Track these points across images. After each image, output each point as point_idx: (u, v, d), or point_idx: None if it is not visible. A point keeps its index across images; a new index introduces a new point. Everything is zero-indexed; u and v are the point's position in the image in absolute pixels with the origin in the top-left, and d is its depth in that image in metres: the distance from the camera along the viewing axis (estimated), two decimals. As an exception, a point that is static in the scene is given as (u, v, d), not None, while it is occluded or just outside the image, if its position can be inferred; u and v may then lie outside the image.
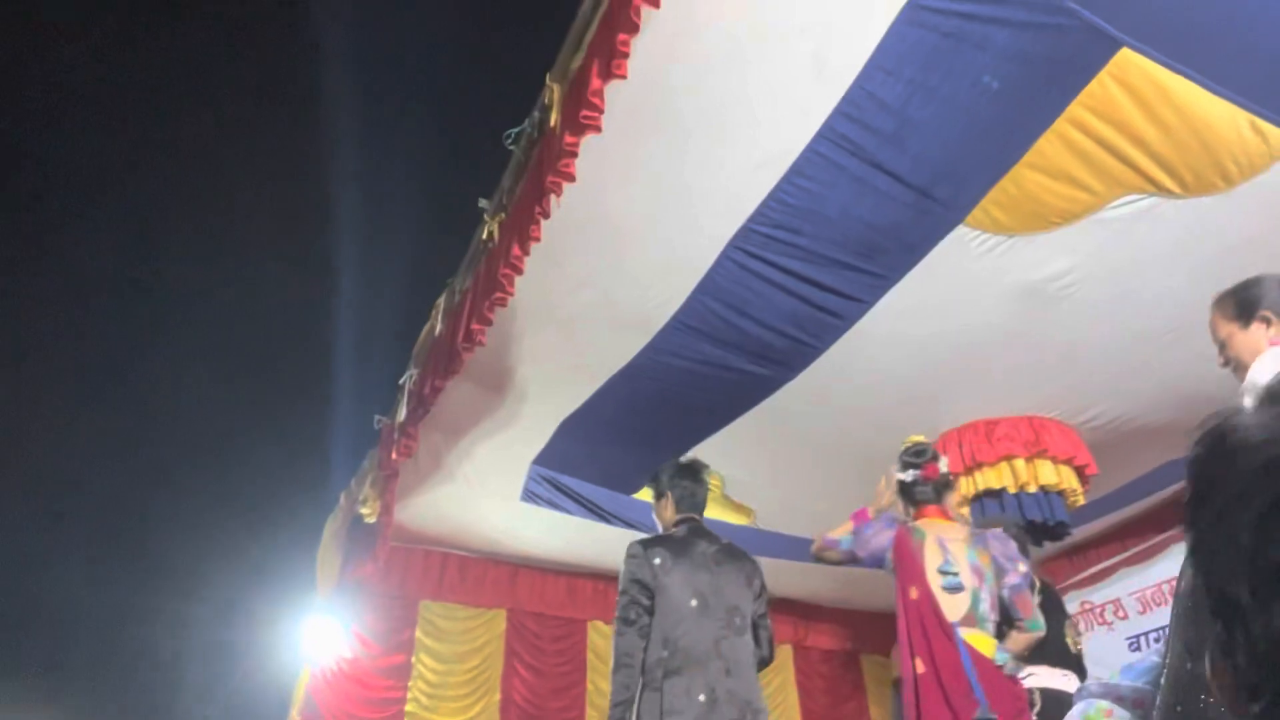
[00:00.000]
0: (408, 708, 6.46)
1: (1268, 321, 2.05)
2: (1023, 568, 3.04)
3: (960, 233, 3.39)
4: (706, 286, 3.74)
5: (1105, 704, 1.13)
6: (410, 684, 6.55)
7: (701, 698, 2.82)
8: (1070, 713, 1.23)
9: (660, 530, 3.31)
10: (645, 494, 5.46)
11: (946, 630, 2.86)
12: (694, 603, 2.98)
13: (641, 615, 2.96)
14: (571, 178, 2.98)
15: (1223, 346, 2.15)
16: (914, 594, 2.92)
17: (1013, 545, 3.11)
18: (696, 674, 2.86)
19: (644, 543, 3.14)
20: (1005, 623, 2.98)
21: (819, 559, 3.20)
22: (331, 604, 6.22)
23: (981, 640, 2.89)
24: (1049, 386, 4.32)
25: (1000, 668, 2.87)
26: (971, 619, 2.90)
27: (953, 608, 2.91)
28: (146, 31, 11.84)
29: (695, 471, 3.34)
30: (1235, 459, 0.49)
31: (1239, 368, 2.10)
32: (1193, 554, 0.53)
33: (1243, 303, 2.11)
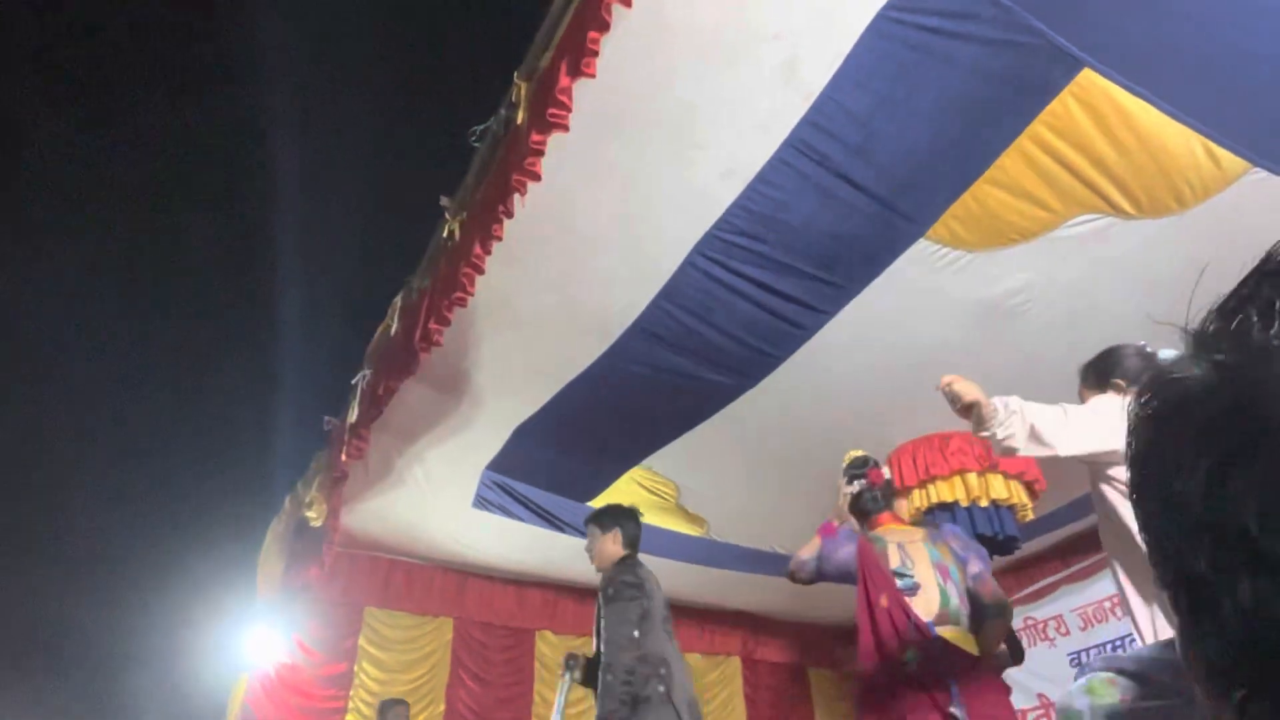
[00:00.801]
0: (348, 718, 6.30)
1: (1120, 389, 2.16)
2: (977, 559, 3.06)
3: (921, 246, 3.43)
4: (669, 292, 3.72)
5: (1108, 674, 1.14)
6: (352, 693, 6.40)
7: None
8: (1072, 686, 1.24)
9: (594, 562, 3.49)
10: (599, 501, 5.44)
11: (923, 630, 2.84)
12: (667, 614, 3.25)
13: (642, 620, 3.17)
14: (537, 177, 2.94)
15: None
16: (884, 602, 2.90)
17: (966, 537, 3.16)
18: (686, 674, 3.19)
19: (638, 561, 3.38)
20: (977, 614, 2.97)
21: (793, 580, 3.22)
22: (272, 610, 6.05)
23: (959, 637, 2.88)
24: (1003, 401, 4.38)
25: (980, 663, 2.86)
26: (945, 616, 2.90)
27: (924, 608, 2.90)
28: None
29: (639, 516, 3.62)
30: (1173, 422, 0.44)
31: None
32: (1142, 533, 0.48)
33: (1099, 372, 2.25)
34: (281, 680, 6.14)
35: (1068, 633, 6.49)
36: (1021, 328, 3.85)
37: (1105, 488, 2.08)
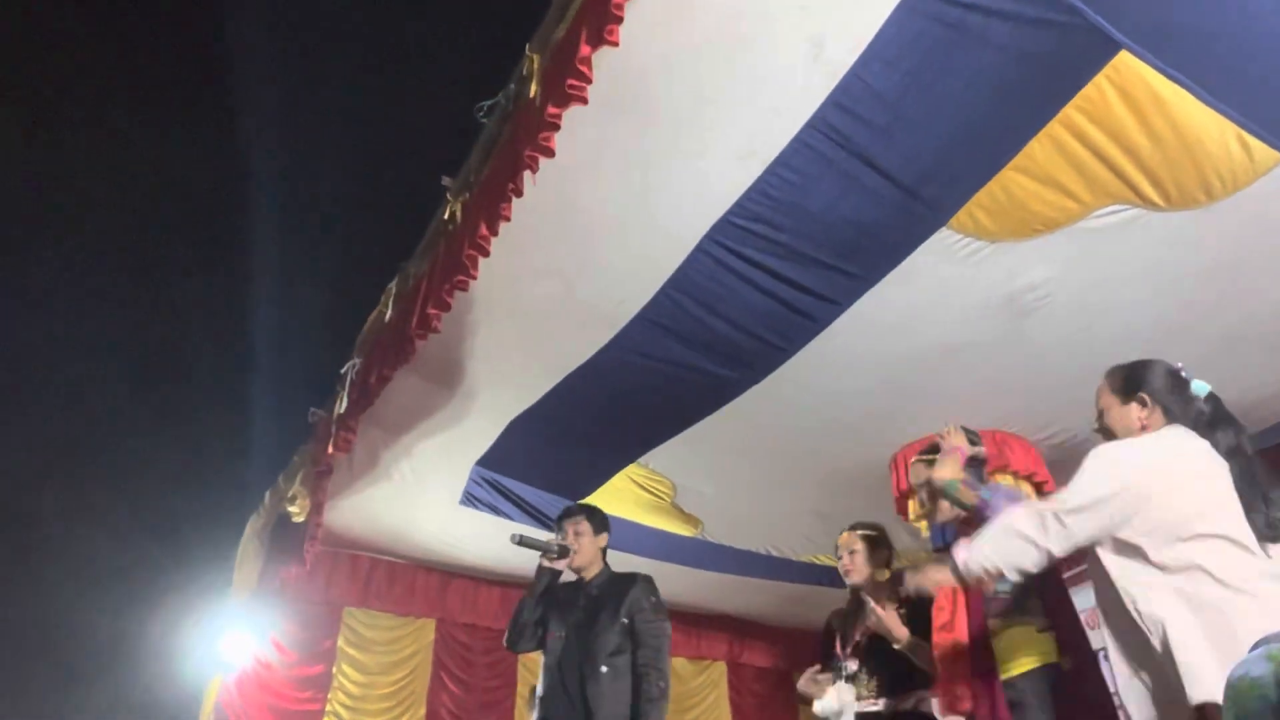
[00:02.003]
0: (324, 720, 6.12)
1: (1144, 404, 2.17)
2: None
3: (942, 235, 3.32)
4: (677, 281, 3.58)
5: None
6: (329, 695, 6.22)
7: None
8: (1248, 657, 1.22)
9: (575, 557, 3.32)
10: (593, 500, 5.29)
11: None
12: None
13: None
14: (550, 152, 2.80)
15: (1100, 415, 2.28)
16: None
17: None
18: None
19: None
20: None
21: (944, 492, 2.63)
22: (248, 609, 5.85)
23: None
24: (1014, 401, 4.29)
25: None
26: None
27: None
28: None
29: None
30: None
31: (1108, 437, 2.24)
32: None
33: (1128, 380, 2.23)
34: (256, 681, 5.95)
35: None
36: (1037, 324, 3.76)
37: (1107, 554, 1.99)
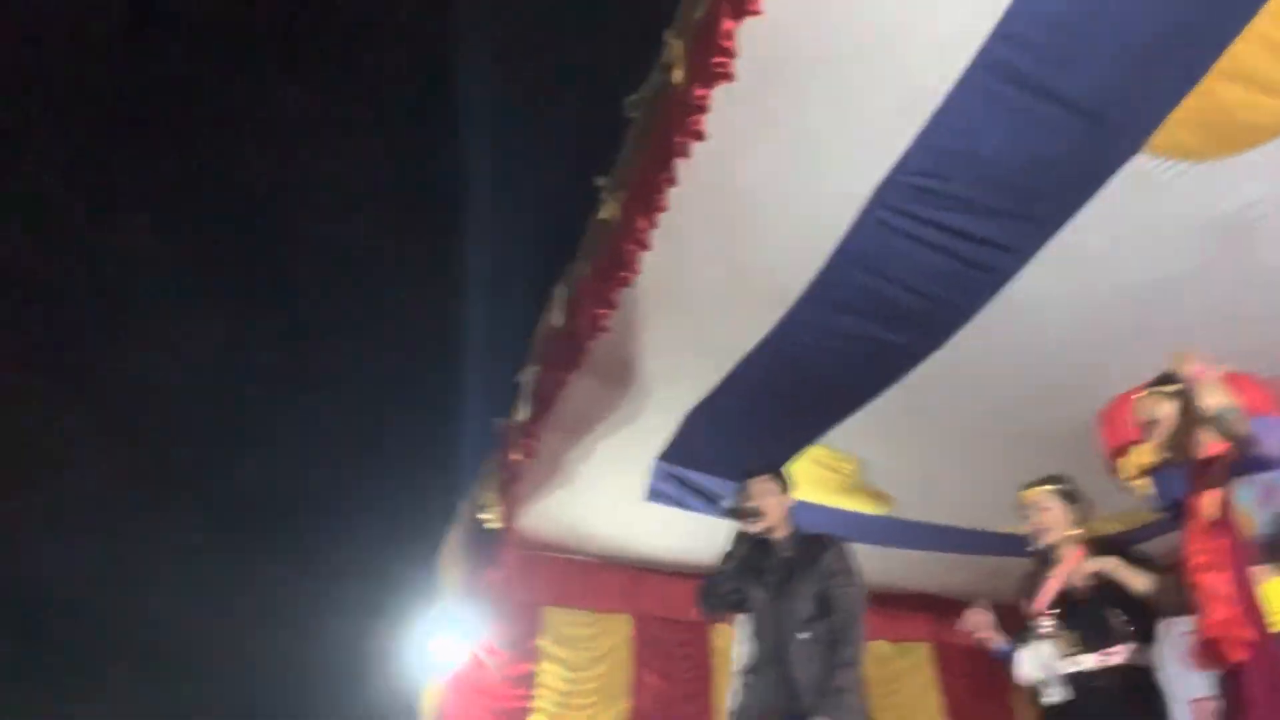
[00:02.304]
0: (535, 718, 6.34)
1: None
2: None
3: (1137, 163, 3.02)
4: (844, 250, 3.44)
5: None
6: (537, 693, 6.43)
7: None
8: None
9: (765, 519, 3.36)
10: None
11: None
12: None
13: None
14: (701, 136, 2.77)
15: None
16: None
17: None
18: None
19: None
20: None
21: (1219, 419, 2.37)
22: (456, 614, 6.14)
23: None
24: (1239, 334, 3.81)
25: None
26: None
27: None
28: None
29: None
30: None
31: None
32: None
33: None
34: (469, 683, 6.22)
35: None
36: (1257, 246, 3.36)
37: None
